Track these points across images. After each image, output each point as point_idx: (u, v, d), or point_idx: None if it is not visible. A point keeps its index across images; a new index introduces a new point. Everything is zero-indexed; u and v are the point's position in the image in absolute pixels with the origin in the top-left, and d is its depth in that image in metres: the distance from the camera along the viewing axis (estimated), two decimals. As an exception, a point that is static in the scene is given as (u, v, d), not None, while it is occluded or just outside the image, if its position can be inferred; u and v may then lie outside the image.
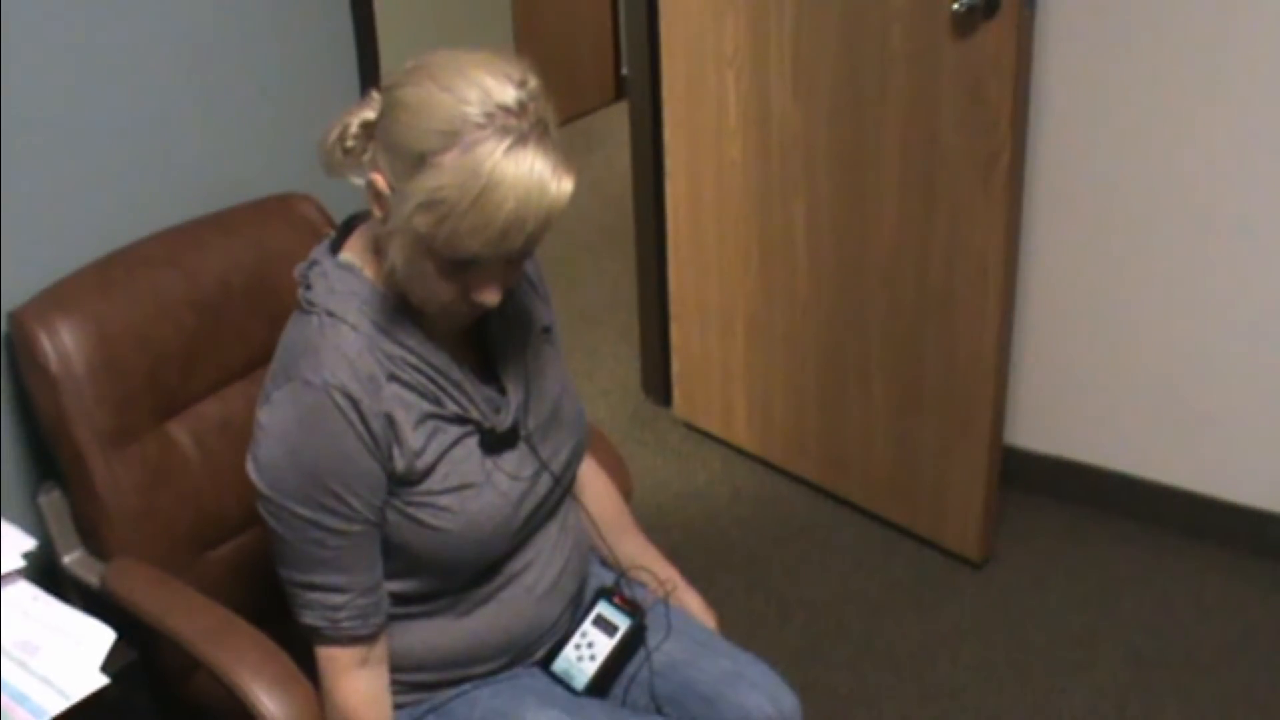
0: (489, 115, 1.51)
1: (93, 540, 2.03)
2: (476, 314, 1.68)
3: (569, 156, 1.57)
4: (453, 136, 1.51)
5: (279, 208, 2.29)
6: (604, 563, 2.09)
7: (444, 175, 1.51)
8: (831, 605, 3.05)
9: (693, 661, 1.92)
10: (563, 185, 1.54)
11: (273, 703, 1.72)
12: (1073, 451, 3.32)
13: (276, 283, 2.12)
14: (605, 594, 1.97)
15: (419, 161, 1.53)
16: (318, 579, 1.70)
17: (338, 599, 1.70)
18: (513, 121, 1.52)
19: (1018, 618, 2.99)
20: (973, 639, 2.93)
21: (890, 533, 3.27)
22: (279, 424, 1.65)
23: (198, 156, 2.31)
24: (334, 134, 1.68)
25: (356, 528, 1.68)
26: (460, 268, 1.58)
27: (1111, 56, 2.91)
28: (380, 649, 1.77)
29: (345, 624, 1.71)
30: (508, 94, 1.53)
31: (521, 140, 1.51)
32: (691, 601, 2.08)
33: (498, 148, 1.50)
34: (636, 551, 2.09)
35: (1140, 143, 2.94)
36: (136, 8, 2.16)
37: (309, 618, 1.72)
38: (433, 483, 1.71)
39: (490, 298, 1.62)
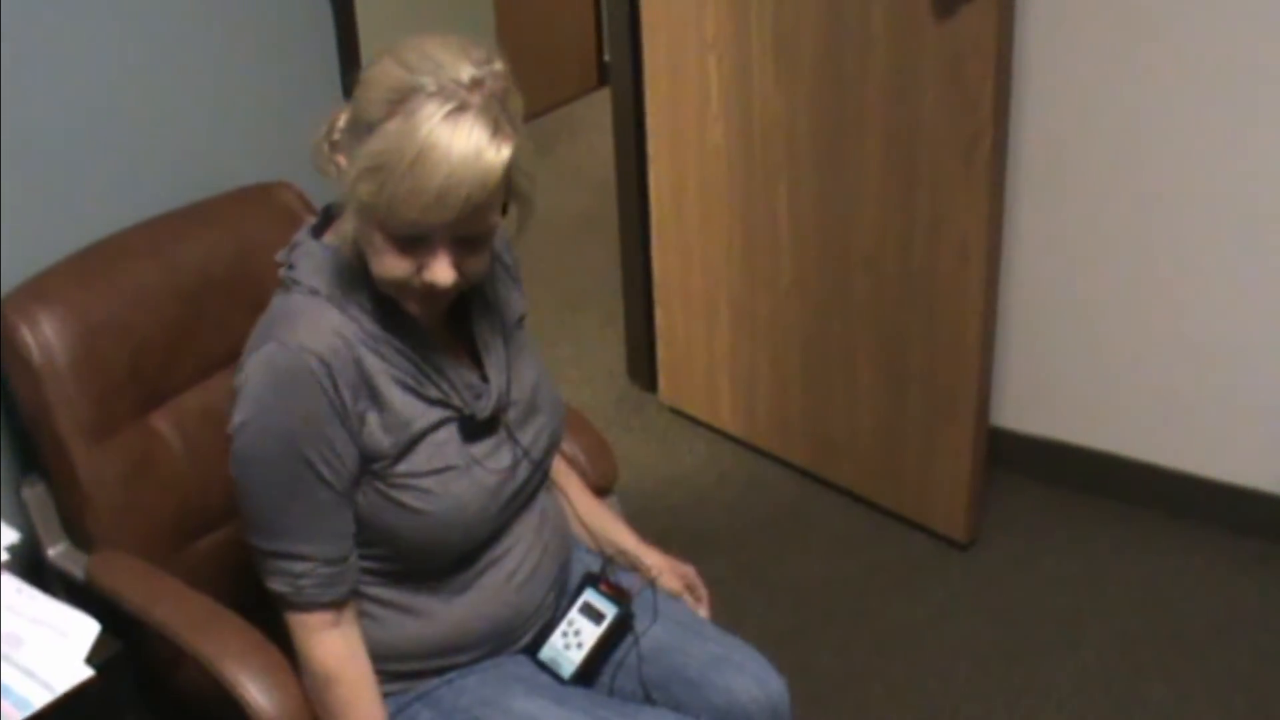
0: (440, 87, 1.52)
1: (77, 533, 2.02)
2: (434, 296, 1.66)
3: (520, 130, 1.58)
4: (398, 104, 1.53)
5: (260, 196, 2.29)
6: (589, 548, 2.09)
7: (385, 140, 1.53)
8: (818, 588, 3.06)
9: (679, 646, 1.93)
10: (500, 152, 1.53)
11: (260, 693, 1.72)
12: (1058, 432, 3.33)
13: (258, 272, 2.11)
14: (591, 581, 1.97)
15: (367, 130, 1.55)
16: (281, 546, 1.70)
17: (301, 566, 1.70)
18: (461, 92, 1.52)
19: (1004, 599, 3.00)
20: (959, 620, 2.94)
21: (876, 515, 3.28)
22: (252, 386, 1.65)
23: (178, 147, 2.30)
24: (322, 130, 1.70)
25: (322, 495, 1.68)
26: (410, 243, 1.58)
27: (1093, 36, 2.91)
28: (350, 611, 1.77)
29: (309, 591, 1.72)
30: (462, 70, 1.54)
31: (462, 108, 1.52)
32: (673, 582, 2.09)
33: (437, 113, 1.51)
34: (611, 527, 2.11)
35: (1123, 122, 2.95)
36: (113, 0, 2.15)
37: (273, 583, 1.73)
38: (415, 464, 1.72)
39: (440, 276, 1.60)
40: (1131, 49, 2.88)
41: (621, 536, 2.11)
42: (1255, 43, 2.74)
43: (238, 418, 1.67)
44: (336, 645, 1.75)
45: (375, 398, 1.68)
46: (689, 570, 2.12)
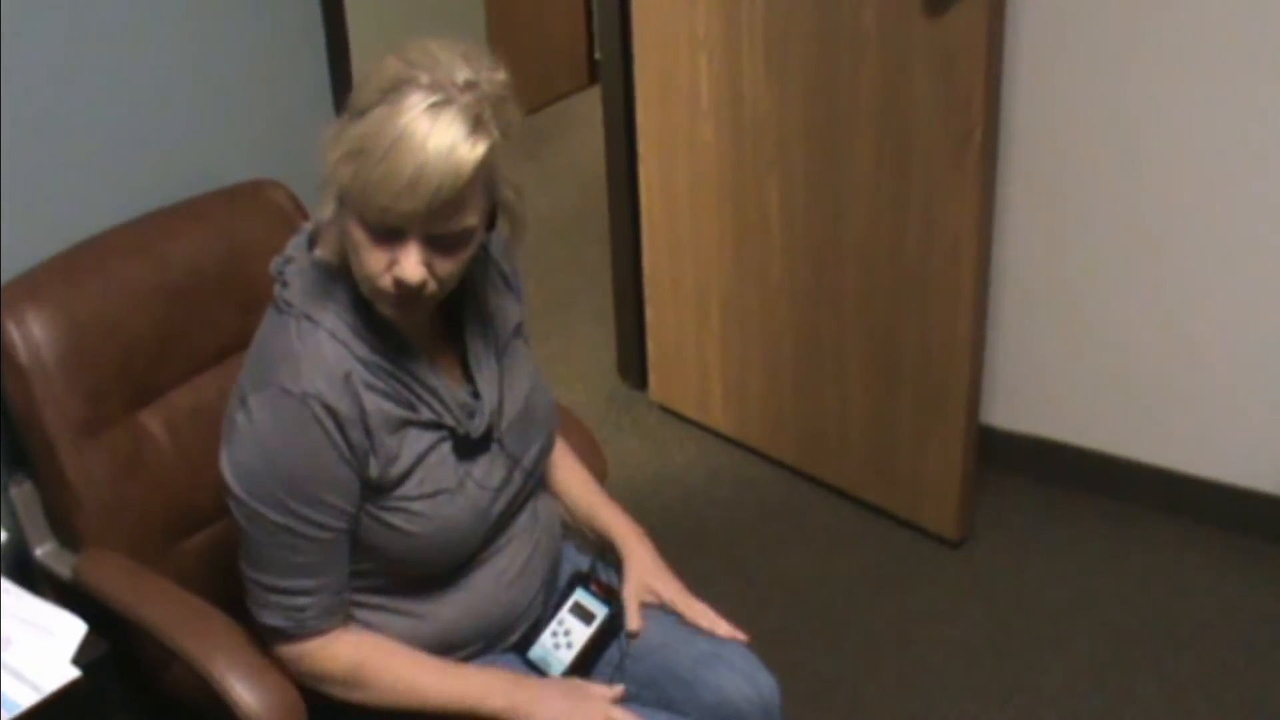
0: (433, 83, 1.52)
1: (65, 532, 2.01)
2: (406, 298, 1.62)
3: (501, 131, 1.55)
4: (388, 93, 1.52)
5: (249, 194, 2.28)
6: (579, 547, 2.08)
7: (368, 124, 1.52)
8: (809, 586, 3.05)
9: (669, 644, 1.92)
10: (475, 149, 1.52)
11: (248, 692, 1.71)
12: (1049, 430, 3.33)
13: (248, 270, 2.10)
14: (582, 580, 1.97)
15: (357, 116, 1.55)
16: (286, 583, 1.70)
17: (303, 600, 1.71)
18: (451, 90, 1.52)
19: (996, 596, 2.99)
20: (951, 618, 2.94)
21: (867, 513, 3.28)
22: (255, 431, 1.64)
23: (167, 145, 2.29)
24: (330, 133, 1.67)
25: (328, 535, 1.68)
26: (384, 237, 1.57)
27: (1084, 33, 2.91)
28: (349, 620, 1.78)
29: (310, 622, 1.72)
30: (459, 71, 1.53)
31: (446, 101, 1.51)
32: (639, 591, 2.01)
33: (420, 103, 1.50)
34: (602, 514, 2.07)
35: (1113, 119, 2.94)
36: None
37: (270, 618, 1.72)
38: (407, 489, 1.71)
39: (408, 272, 1.57)
40: (1123, 45, 2.88)
41: (603, 517, 2.07)
42: (1247, 35, 2.73)
43: (239, 456, 1.66)
44: (346, 642, 1.76)
45: (372, 436, 1.67)
46: (673, 588, 2.00)
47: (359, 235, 1.58)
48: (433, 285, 1.61)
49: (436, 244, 1.59)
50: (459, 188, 1.52)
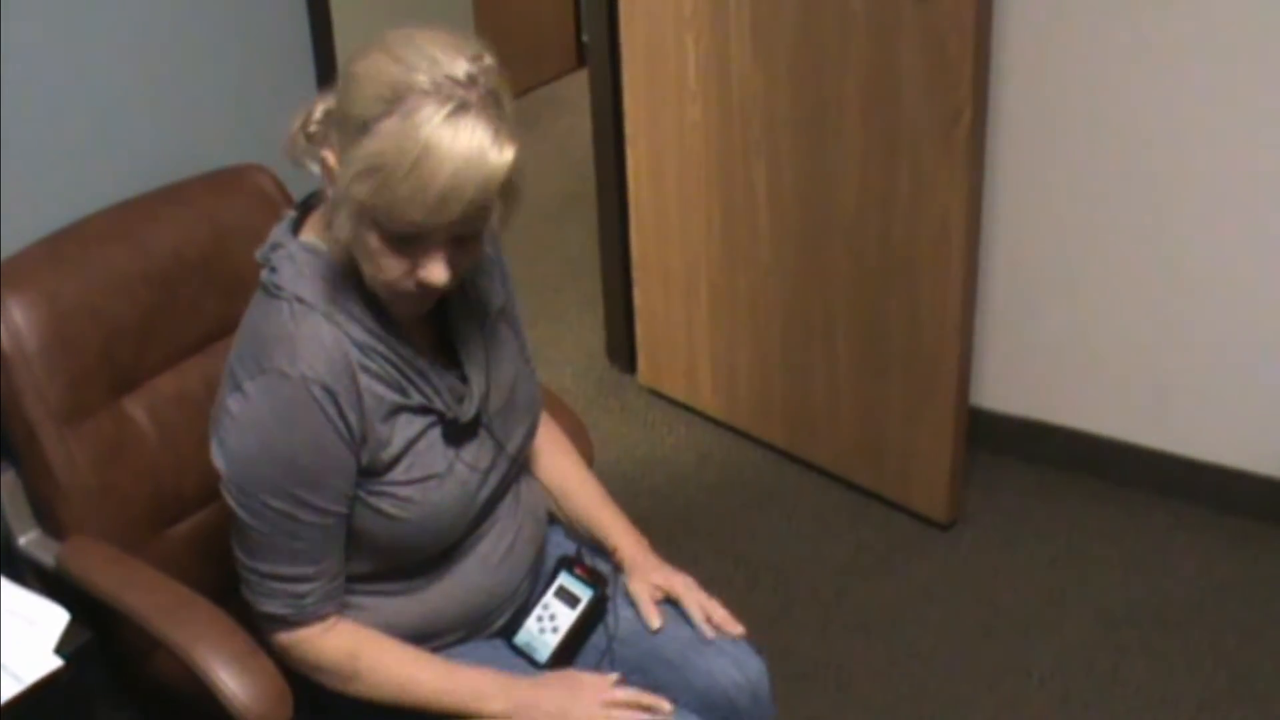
0: (435, 85, 1.49)
1: (49, 520, 2.00)
2: (426, 296, 1.63)
3: (517, 129, 1.54)
4: (395, 102, 1.49)
5: (232, 180, 2.26)
6: (567, 533, 2.07)
7: (383, 140, 1.48)
8: (799, 569, 3.05)
9: (658, 629, 1.91)
10: (504, 153, 1.51)
11: (233, 679, 1.71)
12: (1039, 412, 3.32)
13: (232, 255, 2.09)
14: (567, 564, 1.96)
15: (362, 129, 1.51)
16: (286, 570, 1.69)
17: (305, 587, 1.70)
18: (459, 91, 1.49)
19: (986, 578, 2.99)
20: (941, 600, 2.94)
21: (857, 496, 3.27)
22: (253, 416, 1.62)
23: (149, 130, 2.28)
24: (298, 121, 1.66)
25: (330, 520, 1.68)
26: (405, 243, 1.55)
27: (1074, 13, 2.90)
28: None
29: (311, 608, 1.72)
30: (458, 65, 1.50)
31: (463, 107, 1.48)
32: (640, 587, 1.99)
33: (437, 113, 1.47)
34: (599, 516, 2.05)
35: (1104, 101, 2.93)
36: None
37: (271, 606, 1.72)
38: (396, 474, 1.71)
39: (435, 276, 1.58)
40: (1113, 24, 2.86)
41: (601, 522, 2.05)
42: (1237, 11, 2.72)
43: (236, 444, 1.64)
44: (343, 630, 1.76)
45: (366, 420, 1.66)
46: (677, 580, 1.97)
47: (376, 244, 1.56)
48: (453, 280, 1.61)
49: (458, 242, 1.58)
50: (490, 194, 1.52)
